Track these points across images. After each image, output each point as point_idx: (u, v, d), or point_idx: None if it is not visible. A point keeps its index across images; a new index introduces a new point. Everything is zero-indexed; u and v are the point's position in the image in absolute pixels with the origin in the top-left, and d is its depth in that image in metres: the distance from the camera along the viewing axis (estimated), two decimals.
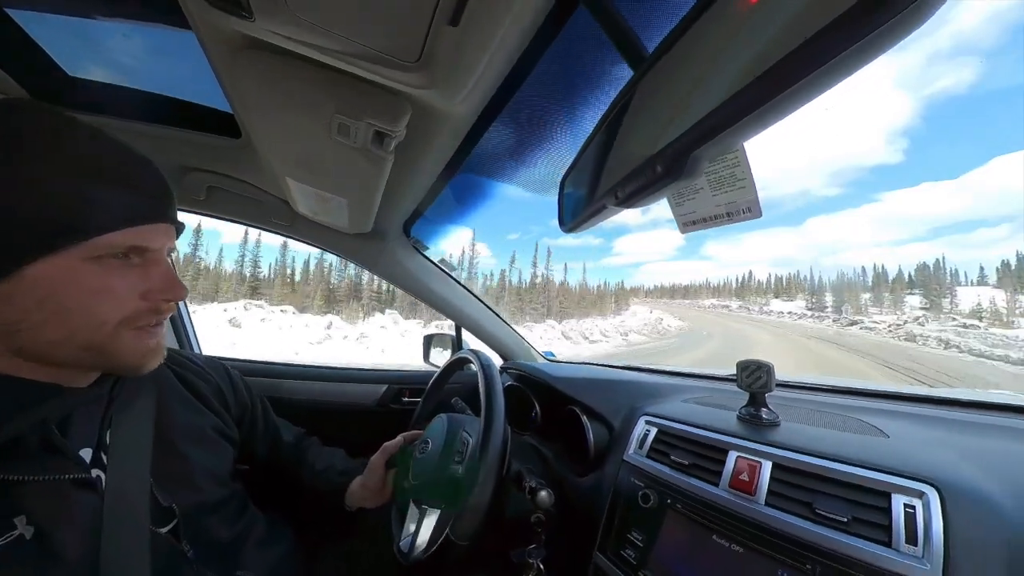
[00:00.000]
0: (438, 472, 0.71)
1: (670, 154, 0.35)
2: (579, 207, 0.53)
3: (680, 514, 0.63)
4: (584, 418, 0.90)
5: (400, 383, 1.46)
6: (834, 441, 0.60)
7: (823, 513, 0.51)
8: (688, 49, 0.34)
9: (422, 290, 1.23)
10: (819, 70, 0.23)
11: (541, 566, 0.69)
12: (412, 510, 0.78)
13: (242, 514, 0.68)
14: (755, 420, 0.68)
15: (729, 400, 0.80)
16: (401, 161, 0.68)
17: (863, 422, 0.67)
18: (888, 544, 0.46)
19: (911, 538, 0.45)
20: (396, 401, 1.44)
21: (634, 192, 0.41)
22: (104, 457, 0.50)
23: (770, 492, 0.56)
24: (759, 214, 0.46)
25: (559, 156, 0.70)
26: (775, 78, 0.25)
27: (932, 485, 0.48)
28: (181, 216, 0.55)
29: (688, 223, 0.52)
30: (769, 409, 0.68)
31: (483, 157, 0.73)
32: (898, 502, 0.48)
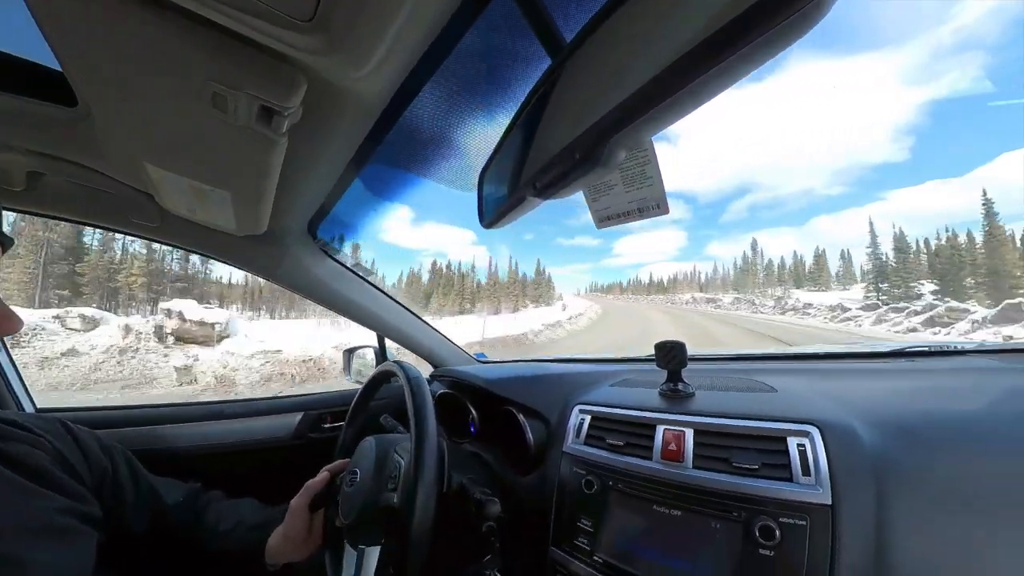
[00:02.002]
0: (371, 503, 0.64)
1: (587, 141, 0.35)
2: (499, 200, 0.53)
3: (622, 493, 0.66)
4: (520, 417, 0.89)
5: (318, 408, 1.30)
6: (738, 401, 0.69)
7: (739, 465, 0.57)
8: (605, 39, 0.35)
9: (334, 299, 1.10)
10: (723, 64, 0.24)
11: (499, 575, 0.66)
12: (349, 553, 0.69)
13: None
14: (675, 394, 0.74)
15: (651, 378, 0.87)
16: (299, 147, 0.59)
17: (757, 381, 0.78)
18: (790, 479, 0.54)
19: (806, 471, 0.54)
20: (316, 429, 1.27)
21: (552, 182, 0.41)
22: None
23: (695, 456, 0.62)
24: (667, 210, 0.50)
25: (480, 147, 0.68)
26: (684, 69, 0.26)
27: (814, 425, 0.57)
28: None
29: (603, 218, 0.56)
30: (685, 382, 0.75)
31: (399, 147, 0.68)
32: (792, 444, 0.57)
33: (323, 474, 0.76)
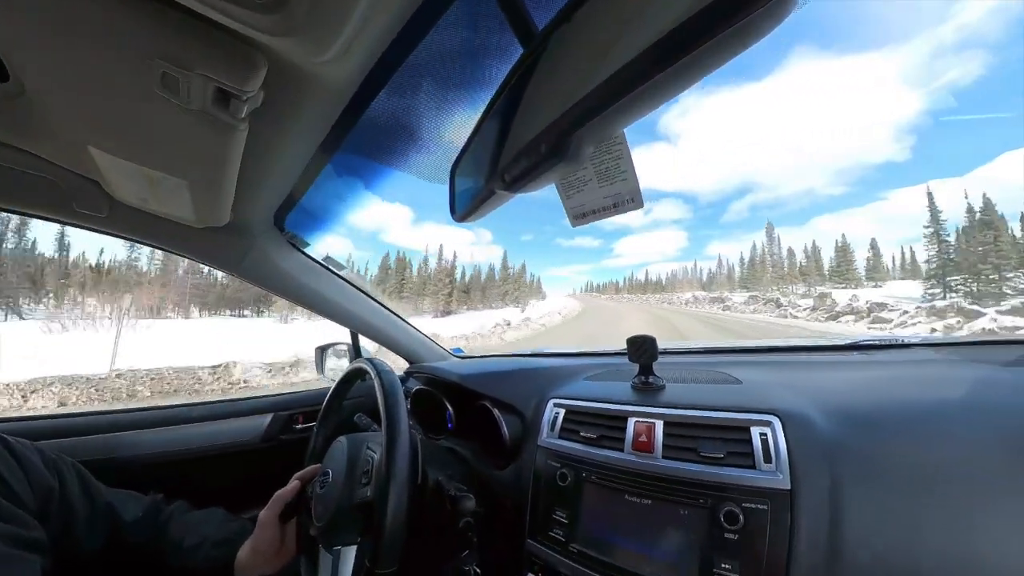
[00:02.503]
0: (345, 502, 0.62)
1: (554, 134, 0.35)
2: (471, 193, 0.52)
3: (595, 484, 0.67)
4: (496, 412, 0.89)
5: (290, 408, 1.26)
6: (705, 393, 0.71)
7: (706, 454, 0.60)
8: (576, 28, 0.34)
9: (304, 294, 1.06)
10: (692, 55, 0.24)
11: (478, 570, 0.66)
12: (324, 558, 0.67)
13: None
14: (646, 387, 0.76)
15: (623, 372, 0.89)
16: (263, 133, 0.56)
17: (723, 373, 0.81)
18: (753, 467, 0.56)
19: (768, 458, 0.56)
20: (287, 431, 1.23)
21: (520, 175, 0.40)
22: None
23: (665, 446, 0.63)
24: (641, 204, 0.50)
25: (453, 139, 0.66)
26: (652, 61, 0.26)
27: (775, 415, 0.60)
28: None
29: (578, 215, 0.56)
30: (656, 375, 0.77)
31: (370, 136, 0.65)
32: (755, 433, 0.59)
33: (293, 483, 0.74)
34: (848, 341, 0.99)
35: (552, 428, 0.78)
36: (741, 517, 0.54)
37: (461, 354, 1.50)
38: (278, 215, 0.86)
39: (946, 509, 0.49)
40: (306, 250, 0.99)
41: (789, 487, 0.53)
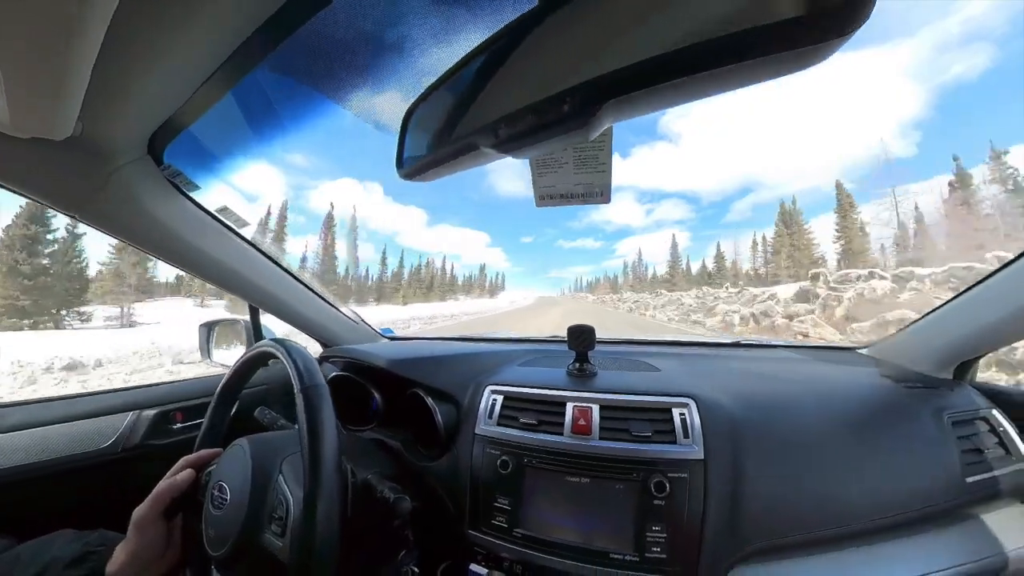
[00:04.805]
0: (248, 539, 0.51)
1: (580, 96, 0.31)
2: (433, 145, 0.44)
3: (537, 468, 0.68)
4: (429, 400, 0.83)
5: (163, 403, 1.00)
6: (633, 379, 0.78)
7: (636, 434, 0.66)
8: None
9: (186, 253, 0.82)
10: (754, 61, 0.23)
11: (415, 570, 0.62)
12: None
13: None
14: (582, 373, 0.80)
15: (559, 358, 0.93)
16: (137, 13, 0.41)
17: (643, 362, 0.90)
18: (674, 442, 0.64)
19: (686, 434, 0.65)
20: (159, 433, 0.98)
21: (521, 134, 0.36)
22: None
23: (601, 428, 0.68)
24: (608, 199, 0.51)
25: (431, 68, 0.51)
26: (716, 49, 0.24)
27: (692, 398, 0.69)
28: None
29: (545, 196, 0.54)
30: (590, 363, 0.82)
31: (310, 52, 0.51)
32: (676, 413, 0.67)
33: (184, 473, 0.61)
34: (733, 340, 1.20)
35: (490, 416, 0.77)
36: (667, 486, 0.61)
37: (391, 334, 1.38)
38: (156, 140, 0.64)
39: (807, 465, 0.65)
40: (194, 195, 0.76)
41: (703, 457, 0.63)
